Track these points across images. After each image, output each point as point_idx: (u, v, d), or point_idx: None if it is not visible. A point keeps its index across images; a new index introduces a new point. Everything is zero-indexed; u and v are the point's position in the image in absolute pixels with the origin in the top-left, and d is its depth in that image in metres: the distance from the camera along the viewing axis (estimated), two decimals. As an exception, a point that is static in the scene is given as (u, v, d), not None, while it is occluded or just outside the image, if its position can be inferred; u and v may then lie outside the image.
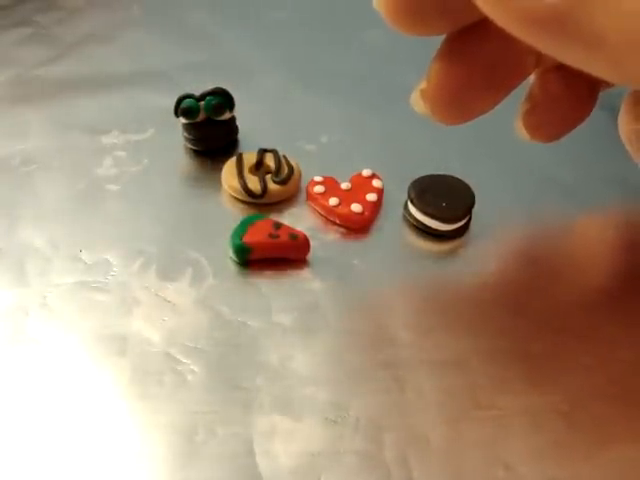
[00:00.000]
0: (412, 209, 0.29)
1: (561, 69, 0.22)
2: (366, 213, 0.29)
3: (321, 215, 0.29)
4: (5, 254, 0.27)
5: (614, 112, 0.24)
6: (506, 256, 0.29)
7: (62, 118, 0.34)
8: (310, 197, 0.30)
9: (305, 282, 0.27)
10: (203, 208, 0.30)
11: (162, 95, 0.34)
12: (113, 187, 0.30)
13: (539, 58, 0.22)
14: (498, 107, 0.23)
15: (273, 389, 0.24)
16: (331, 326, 0.25)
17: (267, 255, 0.27)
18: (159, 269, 0.27)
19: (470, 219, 0.29)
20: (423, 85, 0.22)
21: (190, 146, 0.32)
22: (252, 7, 0.41)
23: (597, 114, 0.24)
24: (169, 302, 0.26)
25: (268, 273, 0.27)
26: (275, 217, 0.29)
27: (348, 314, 0.26)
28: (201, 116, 0.31)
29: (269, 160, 0.30)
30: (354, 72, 0.37)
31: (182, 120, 0.31)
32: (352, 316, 0.26)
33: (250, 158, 0.30)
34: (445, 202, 0.28)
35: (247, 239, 0.27)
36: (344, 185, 0.30)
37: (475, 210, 0.29)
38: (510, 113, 0.24)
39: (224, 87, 0.31)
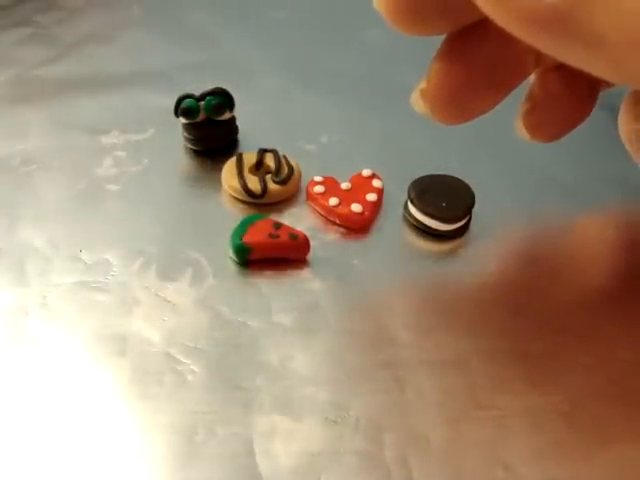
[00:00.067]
0: (412, 209, 0.29)
1: (561, 69, 0.22)
2: (366, 213, 0.29)
3: (321, 215, 0.29)
4: (5, 254, 0.27)
5: (614, 112, 0.24)
6: (506, 256, 0.29)
7: (62, 118, 0.34)
8: (310, 197, 0.30)
9: (305, 282, 0.27)
10: (203, 208, 0.30)
11: (162, 95, 0.34)
12: (113, 187, 0.30)
13: (539, 58, 0.22)
14: (498, 107, 0.23)
15: (273, 389, 0.24)
16: (331, 326, 0.25)
17: (267, 255, 0.27)
18: (159, 269, 0.27)
19: (470, 219, 0.29)
20: (423, 85, 0.22)
21: (190, 146, 0.32)
22: (252, 7, 0.41)
23: (597, 114, 0.25)
24: (169, 302, 0.26)
25: (268, 273, 0.27)
26: (275, 217, 0.29)
27: (348, 314, 0.26)
28: (201, 116, 0.31)
29: (269, 160, 0.30)
30: (354, 72, 0.37)
31: (182, 120, 0.31)
32: (352, 316, 0.26)
33: (250, 158, 0.30)
34: (445, 202, 0.28)
35: (247, 239, 0.27)
36: (344, 185, 0.30)
37: (475, 210, 0.29)
38: (510, 113, 0.24)
39: (224, 87, 0.31)
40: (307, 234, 0.27)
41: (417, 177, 0.29)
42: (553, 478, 0.22)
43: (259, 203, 0.29)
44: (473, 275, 0.27)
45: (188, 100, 0.30)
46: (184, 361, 0.24)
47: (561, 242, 0.29)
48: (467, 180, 0.29)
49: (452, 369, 0.24)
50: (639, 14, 0.15)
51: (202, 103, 0.30)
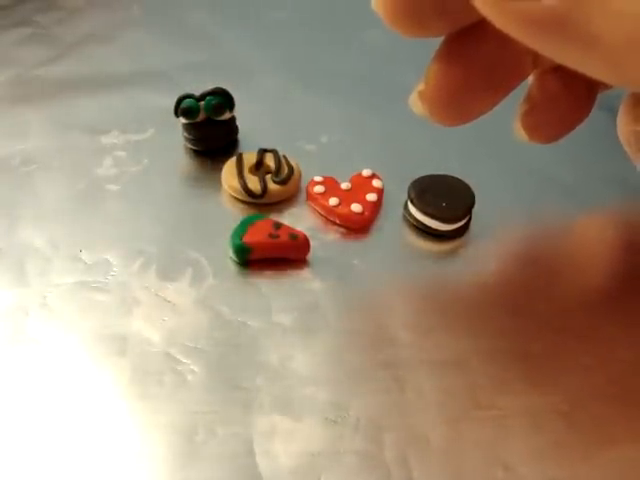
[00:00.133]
0: (412, 209, 0.29)
1: (559, 70, 0.22)
2: (366, 213, 0.29)
3: (321, 215, 0.29)
4: (5, 254, 0.27)
5: (613, 113, 0.24)
6: (506, 256, 0.29)
7: (62, 118, 0.34)
8: (310, 197, 0.30)
9: (305, 282, 0.27)
10: (203, 208, 0.30)
11: (162, 95, 0.34)
12: (113, 187, 0.30)
13: (537, 59, 0.22)
14: (498, 107, 0.23)
15: (273, 389, 0.24)
16: (331, 326, 0.25)
17: (267, 255, 0.27)
18: (159, 269, 0.27)
19: (470, 219, 0.29)
20: (421, 87, 0.22)
21: (190, 146, 0.32)
22: (252, 7, 0.41)
23: (596, 115, 0.25)
24: (169, 302, 0.26)
25: (268, 273, 0.27)
26: (275, 217, 0.29)
27: (348, 314, 0.26)
28: (201, 116, 0.31)
29: (269, 160, 0.30)
30: (354, 72, 0.37)
31: (182, 120, 0.31)
32: (352, 316, 0.26)
33: (250, 158, 0.30)
34: (445, 202, 0.28)
35: (247, 239, 0.27)
36: (344, 185, 0.30)
37: (475, 210, 0.29)
38: (510, 113, 0.24)
39: (224, 87, 0.31)
40: (307, 234, 0.28)
41: (417, 177, 0.29)
42: (553, 478, 0.22)
43: (259, 203, 0.29)
44: (473, 275, 0.28)
45: (188, 100, 0.30)
46: (184, 361, 0.24)
47: (561, 242, 0.29)
48: (467, 180, 0.29)
49: (452, 369, 0.24)
50: (636, 16, 0.15)
51: (202, 103, 0.30)
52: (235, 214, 0.29)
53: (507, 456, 0.22)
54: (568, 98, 0.23)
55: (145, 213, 0.29)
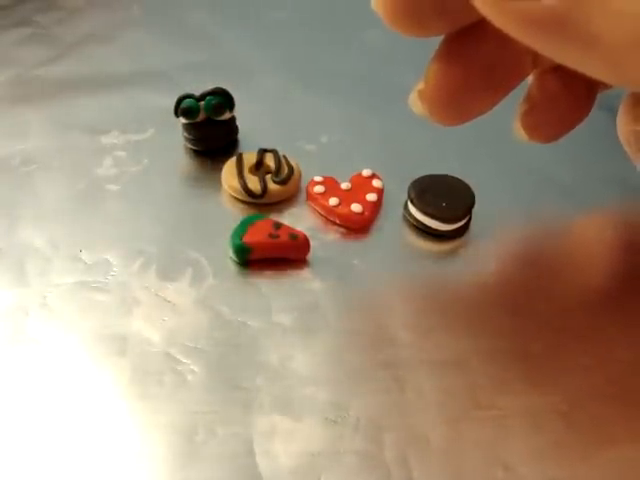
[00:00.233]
0: (412, 209, 0.29)
1: (559, 70, 0.22)
2: (366, 213, 0.29)
3: (321, 215, 0.29)
4: (5, 254, 0.27)
5: (613, 113, 0.24)
6: (506, 256, 0.29)
7: (62, 118, 0.34)
8: (310, 197, 0.30)
9: (305, 282, 0.27)
10: (203, 208, 0.30)
11: (162, 95, 0.34)
12: (113, 187, 0.30)
13: (537, 59, 0.22)
14: (498, 107, 0.23)
15: (273, 389, 0.24)
16: (331, 326, 0.25)
17: (267, 255, 0.27)
18: (159, 269, 0.27)
19: (470, 219, 0.29)
20: (421, 86, 0.22)
21: (190, 146, 0.32)
22: (252, 7, 0.41)
23: (596, 115, 0.25)
24: (169, 302, 0.26)
25: (268, 273, 0.27)
26: (275, 217, 0.29)
27: (348, 314, 0.26)
28: (201, 116, 0.31)
29: (269, 160, 0.30)
30: (354, 72, 0.37)
31: (182, 120, 0.31)
32: (352, 316, 0.26)
33: (250, 158, 0.30)
34: (445, 202, 0.28)
35: (247, 239, 0.27)
36: (344, 185, 0.30)
37: (475, 210, 0.29)
38: (510, 113, 0.24)
39: (224, 87, 0.31)
40: (307, 234, 0.28)
41: (417, 177, 0.29)
42: (553, 478, 0.22)
43: (259, 203, 0.29)
44: (473, 275, 0.28)
45: (188, 100, 0.30)
46: (184, 361, 0.24)
47: (560, 242, 0.29)
48: (467, 180, 0.29)
49: (452, 369, 0.24)
50: (636, 16, 0.15)
51: (202, 103, 0.30)
52: (235, 214, 0.29)
53: (507, 456, 0.22)
54: (568, 98, 0.23)
55: (145, 213, 0.29)
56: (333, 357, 0.25)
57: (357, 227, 0.29)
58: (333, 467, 0.22)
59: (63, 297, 0.26)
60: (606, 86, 0.23)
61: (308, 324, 0.26)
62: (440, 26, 0.20)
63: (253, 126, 0.33)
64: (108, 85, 0.36)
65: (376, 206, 0.29)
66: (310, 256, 0.28)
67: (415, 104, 0.22)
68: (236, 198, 0.30)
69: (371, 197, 0.29)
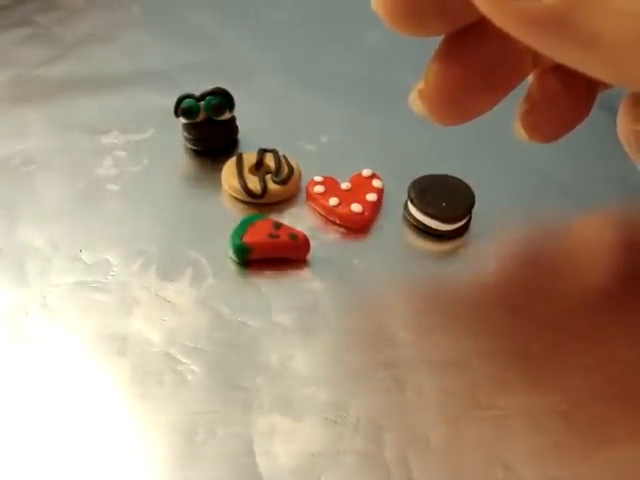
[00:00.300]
0: (412, 209, 0.29)
1: (559, 69, 0.22)
2: (366, 213, 0.29)
3: (321, 215, 0.29)
4: (5, 254, 0.27)
5: (613, 112, 0.24)
6: (506, 256, 0.29)
7: (62, 118, 0.34)
8: (310, 197, 0.30)
9: (305, 282, 0.27)
10: (203, 208, 0.30)
11: (162, 95, 0.34)
12: (113, 187, 0.30)
13: (537, 58, 0.22)
14: (498, 107, 0.23)
15: (273, 389, 0.24)
16: (331, 326, 0.25)
17: (267, 255, 0.27)
18: (159, 269, 0.27)
19: (470, 219, 0.29)
20: (421, 86, 0.22)
21: (190, 146, 0.32)
22: (252, 7, 0.41)
23: (596, 114, 0.25)
24: (169, 302, 0.26)
25: (268, 273, 0.27)
26: (275, 217, 0.29)
27: (348, 314, 0.26)
28: (201, 116, 0.31)
29: (269, 160, 0.30)
30: (354, 72, 0.37)
31: (182, 120, 0.31)
32: (352, 316, 0.26)
33: (250, 158, 0.30)
34: (445, 202, 0.28)
35: (247, 239, 0.27)
36: (344, 185, 0.30)
37: (475, 210, 0.29)
38: (510, 113, 0.24)
39: (224, 87, 0.31)
40: (307, 234, 0.28)
41: (417, 177, 0.29)
42: (553, 478, 0.22)
43: (259, 203, 0.29)
44: (473, 275, 0.28)
45: (188, 100, 0.30)
46: (184, 361, 0.24)
47: (561, 242, 0.29)
48: (467, 180, 0.29)
49: (452, 369, 0.24)
50: (636, 16, 0.15)
51: (202, 103, 0.30)
52: (235, 214, 0.29)
53: (507, 456, 0.22)
54: (568, 97, 0.23)
55: (145, 213, 0.29)
56: (333, 357, 0.25)
57: (357, 227, 0.29)
58: (333, 467, 0.22)
59: (63, 297, 0.26)
60: (606, 86, 0.23)
61: (308, 324, 0.25)
62: (440, 26, 0.20)
63: (253, 126, 0.33)
64: (108, 85, 0.36)
65: (376, 206, 0.29)
66: (310, 256, 0.28)
67: (415, 104, 0.22)
68: (236, 198, 0.30)
69: (371, 197, 0.29)
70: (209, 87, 0.31)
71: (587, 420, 0.23)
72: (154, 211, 0.29)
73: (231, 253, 0.27)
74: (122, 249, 0.28)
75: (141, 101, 0.35)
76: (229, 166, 0.30)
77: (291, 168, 0.30)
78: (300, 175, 0.30)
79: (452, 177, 0.29)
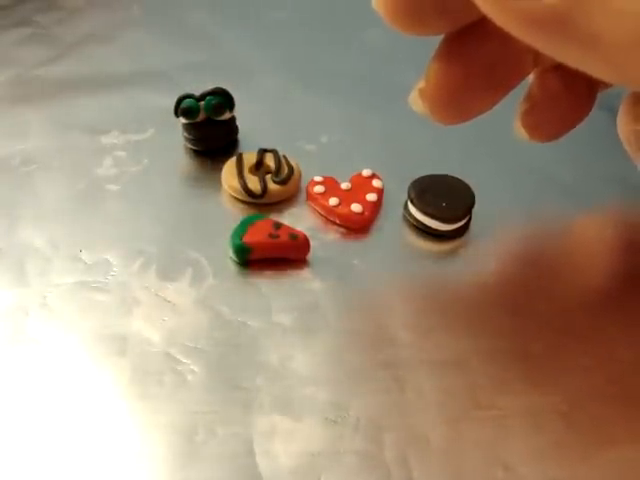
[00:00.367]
0: (412, 209, 0.29)
1: (560, 69, 0.22)
2: (366, 213, 0.29)
3: (321, 215, 0.29)
4: (5, 254, 0.27)
5: (613, 112, 0.24)
6: (506, 256, 0.29)
7: (62, 118, 0.34)
8: (310, 197, 0.30)
9: (305, 282, 0.27)
10: (203, 208, 0.30)
11: (162, 95, 0.34)
12: (113, 187, 0.30)
13: (538, 58, 0.22)
14: (498, 107, 0.23)
15: (273, 389, 0.24)
16: (331, 326, 0.25)
17: (267, 255, 0.27)
18: (159, 269, 0.27)
19: (470, 219, 0.29)
20: (421, 85, 0.22)
21: (190, 146, 0.32)
22: (252, 7, 0.41)
23: (597, 114, 0.25)
24: (169, 302, 0.26)
25: (268, 273, 0.27)
26: (275, 217, 0.29)
27: (348, 314, 0.26)
28: (201, 116, 0.31)
29: (269, 160, 0.30)
30: (354, 72, 0.37)
31: (182, 120, 0.31)
32: (352, 316, 0.26)
33: (250, 158, 0.30)
34: (445, 202, 0.28)
35: (247, 239, 0.27)
36: (344, 185, 0.30)
37: (475, 210, 0.29)
38: (510, 113, 0.24)
39: (224, 87, 0.31)
40: (307, 234, 0.27)
41: (417, 177, 0.29)
42: (553, 478, 0.22)
43: (259, 203, 0.29)
44: (473, 275, 0.28)
45: (188, 100, 0.30)
46: (184, 361, 0.24)
47: (561, 242, 0.29)
48: (467, 180, 0.29)
49: (452, 369, 0.24)
50: (637, 15, 0.15)
51: (202, 103, 0.30)
52: (235, 214, 0.29)
53: (507, 456, 0.22)
54: (568, 97, 0.23)
55: (145, 213, 0.29)
56: (333, 357, 0.25)
57: (357, 227, 0.29)
58: (333, 467, 0.22)
59: (63, 297, 0.26)
60: (607, 85, 0.23)
61: (308, 324, 0.25)
62: (441, 25, 0.20)
63: (253, 126, 0.33)
64: (108, 85, 0.36)
65: (376, 206, 0.29)
66: (310, 256, 0.28)
67: (415, 103, 0.22)
68: (236, 198, 0.30)
69: (371, 197, 0.29)
70: (209, 87, 0.31)
71: (587, 420, 0.23)
72: (154, 211, 0.29)
73: (231, 253, 0.27)
74: (122, 249, 0.28)
75: (141, 101, 0.35)
76: (229, 166, 0.30)
77: (291, 168, 0.30)
78: (300, 175, 0.30)
79: (452, 177, 0.29)
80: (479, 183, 0.29)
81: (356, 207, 0.29)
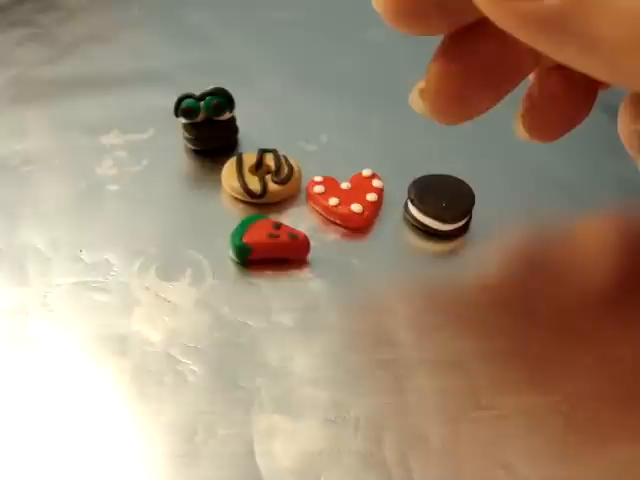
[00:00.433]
0: (412, 209, 0.29)
1: (560, 69, 0.22)
2: (366, 213, 0.29)
3: (321, 215, 0.29)
4: (5, 254, 0.27)
5: (613, 112, 0.24)
6: (506, 256, 0.29)
7: (62, 118, 0.34)
8: (310, 197, 0.30)
9: (305, 282, 0.27)
10: (203, 208, 0.30)
11: (162, 95, 0.34)
12: (113, 187, 0.30)
13: (538, 57, 0.22)
14: (498, 107, 0.23)
15: (273, 389, 0.24)
16: (331, 326, 0.25)
17: (267, 255, 0.27)
18: (159, 269, 0.27)
19: (470, 219, 0.29)
20: (422, 85, 0.22)
21: (190, 146, 0.32)
22: (252, 7, 0.41)
23: (596, 115, 0.25)
24: (169, 302, 0.26)
25: (268, 273, 0.27)
26: (275, 217, 0.29)
27: (348, 314, 0.26)
28: (201, 116, 0.31)
29: (269, 160, 0.30)
30: (354, 72, 0.37)
31: (182, 120, 0.31)
32: (352, 316, 0.26)
33: (250, 158, 0.30)
34: (445, 202, 0.28)
35: (247, 239, 0.27)
36: (344, 185, 0.30)
37: (475, 210, 0.29)
38: (510, 113, 0.24)
39: (224, 87, 0.31)
40: (307, 234, 0.28)
41: (417, 177, 0.29)
42: (553, 478, 0.22)
43: (259, 203, 0.29)
44: (473, 275, 0.28)
45: (188, 100, 0.30)
46: (184, 361, 0.24)
47: (561, 242, 0.29)
48: (467, 180, 0.29)
49: (452, 369, 0.24)
50: (637, 16, 0.15)
51: (202, 103, 0.30)
52: (235, 214, 0.29)
53: (507, 456, 0.22)
54: (569, 96, 0.23)
55: (145, 213, 0.29)
56: (333, 357, 0.25)
57: (357, 227, 0.29)
58: (333, 467, 0.22)
59: (63, 297, 0.26)
60: (607, 85, 0.23)
61: (308, 324, 0.25)
62: (441, 24, 0.20)
63: (253, 126, 0.33)
64: (108, 85, 0.36)
65: (376, 206, 0.29)
66: (310, 256, 0.28)
67: (416, 103, 0.22)
68: (236, 198, 0.30)
69: (371, 197, 0.29)
70: (209, 87, 0.31)
71: (587, 420, 0.23)
72: (154, 211, 0.29)
73: (231, 253, 0.27)
74: (122, 249, 0.28)
75: (141, 101, 0.35)
76: (229, 166, 0.30)
77: (291, 168, 0.30)
78: (300, 175, 0.30)
79: (452, 177, 0.29)
80: (479, 183, 0.29)
81: (356, 207, 0.29)
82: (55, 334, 0.25)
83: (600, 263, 0.28)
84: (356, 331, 0.26)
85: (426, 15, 0.19)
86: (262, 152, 0.31)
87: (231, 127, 0.32)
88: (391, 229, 0.29)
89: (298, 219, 0.29)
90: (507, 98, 0.22)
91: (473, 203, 0.29)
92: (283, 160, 0.30)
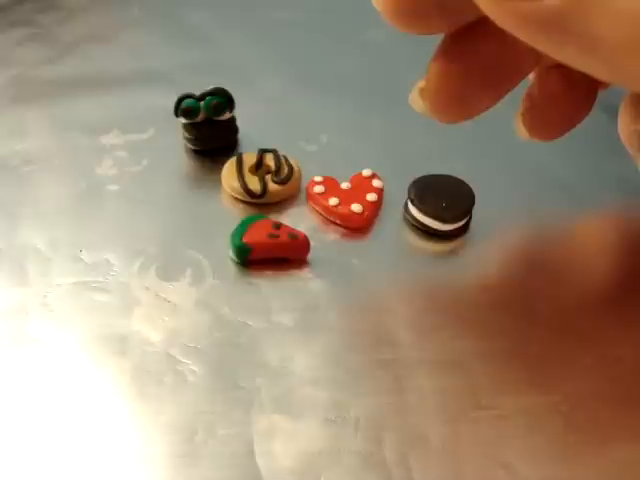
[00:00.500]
0: (412, 209, 0.29)
1: (560, 68, 0.22)
2: (366, 213, 0.29)
3: (321, 215, 0.29)
4: (5, 254, 0.27)
5: (614, 112, 0.24)
6: (506, 256, 0.29)
7: (62, 118, 0.34)
8: (310, 197, 0.30)
9: (305, 282, 0.27)
10: (203, 208, 0.30)
11: (162, 95, 0.34)
12: (113, 187, 0.30)
13: (538, 57, 0.22)
14: (498, 106, 0.23)
15: (273, 389, 0.24)
16: (331, 326, 0.25)
17: (267, 255, 0.27)
18: (159, 269, 0.27)
19: (470, 219, 0.29)
20: (422, 84, 0.22)
21: (190, 146, 0.32)
22: (252, 7, 0.41)
23: (596, 115, 0.25)
24: (169, 302, 0.26)
25: (268, 273, 0.27)
26: (275, 217, 0.29)
27: (348, 314, 0.26)
28: (201, 116, 0.31)
29: (269, 160, 0.30)
30: (354, 72, 0.37)
31: (182, 120, 0.31)
32: (352, 316, 0.26)
33: (250, 158, 0.30)
34: (445, 202, 0.28)
35: (247, 239, 0.27)
36: (344, 185, 0.30)
37: (475, 210, 0.29)
38: (510, 113, 0.24)
39: (224, 87, 0.31)
40: (307, 234, 0.28)
41: (417, 177, 0.29)
42: (553, 478, 0.22)
43: (259, 203, 0.29)
44: (473, 275, 0.28)
45: (188, 100, 0.30)
46: (184, 361, 0.24)
47: (561, 242, 0.29)
48: (467, 180, 0.29)
49: (452, 369, 0.24)
50: (637, 16, 0.15)
51: (202, 103, 0.30)
52: (235, 214, 0.29)
53: (507, 456, 0.22)
54: (569, 96, 0.23)
55: (145, 213, 0.29)
56: (333, 357, 0.25)
57: (357, 227, 0.29)
58: (333, 467, 0.22)
59: (63, 297, 0.26)
60: (607, 85, 0.23)
61: (308, 324, 0.25)
62: (441, 24, 0.20)
63: (253, 126, 0.33)
64: (108, 85, 0.36)
65: (376, 206, 0.29)
66: (310, 256, 0.28)
67: (416, 102, 0.22)
68: (236, 198, 0.30)
69: (371, 197, 0.29)
70: (209, 87, 0.31)
71: (587, 420, 0.23)
72: (154, 211, 0.29)
73: (231, 253, 0.27)
74: (122, 249, 0.28)
75: (141, 101, 0.35)
76: (229, 166, 0.30)
77: (291, 168, 0.30)
78: (300, 175, 0.30)
79: (452, 177, 0.29)
80: (479, 183, 0.29)
81: (356, 207, 0.29)
82: (55, 334, 0.25)
83: (600, 263, 0.28)
84: (356, 331, 0.26)
85: (426, 14, 0.19)
86: (262, 152, 0.31)
87: (231, 127, 0.32)
88: (391, 229, 0.29)
89: (298, 219, 0.29)
90: (507, 98, 0.22)
91: (473, 203, 0.29)
92: (283, 160, 0.30)
